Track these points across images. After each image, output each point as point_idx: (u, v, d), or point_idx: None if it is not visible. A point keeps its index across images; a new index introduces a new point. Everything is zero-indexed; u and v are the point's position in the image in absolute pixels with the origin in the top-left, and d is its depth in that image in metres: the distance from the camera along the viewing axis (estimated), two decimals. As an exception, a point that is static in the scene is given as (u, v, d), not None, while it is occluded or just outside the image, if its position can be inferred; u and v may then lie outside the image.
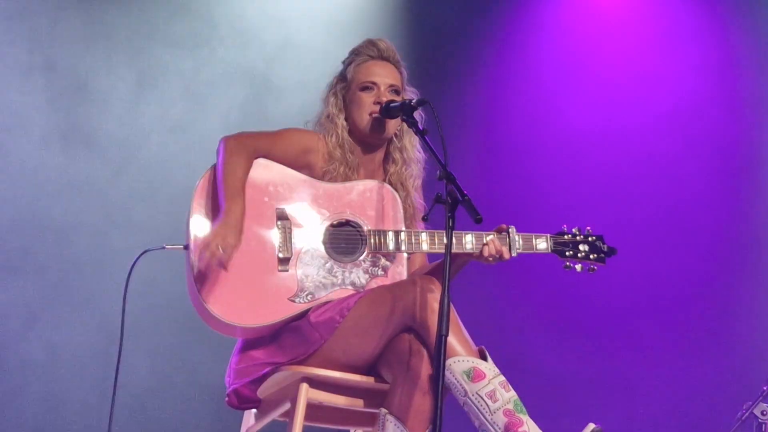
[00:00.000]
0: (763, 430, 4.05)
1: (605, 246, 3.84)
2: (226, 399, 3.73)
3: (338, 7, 6.06)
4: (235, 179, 3.63)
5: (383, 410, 3.46)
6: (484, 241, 3.66)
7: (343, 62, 3.94)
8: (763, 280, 5.79)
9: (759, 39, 6.01)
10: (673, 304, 5.87)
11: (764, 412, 4.05)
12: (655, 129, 6.02)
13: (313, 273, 3.65)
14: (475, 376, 3.41)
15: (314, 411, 3.64)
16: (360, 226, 3.71)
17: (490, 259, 3.67)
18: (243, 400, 3.71)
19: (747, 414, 4.08)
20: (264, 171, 3.71)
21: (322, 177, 3.78)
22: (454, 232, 3.38)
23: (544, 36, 6.16)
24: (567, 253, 3.79)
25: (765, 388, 4.11)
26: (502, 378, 3.43)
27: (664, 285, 5.90)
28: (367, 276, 3.68)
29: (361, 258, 3.69)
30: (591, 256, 3.81)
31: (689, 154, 5.96)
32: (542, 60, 6.15)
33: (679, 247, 5.91)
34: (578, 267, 3.80)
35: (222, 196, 3.61)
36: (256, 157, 3.71)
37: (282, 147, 3.76)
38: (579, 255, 3.80)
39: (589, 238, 3.83)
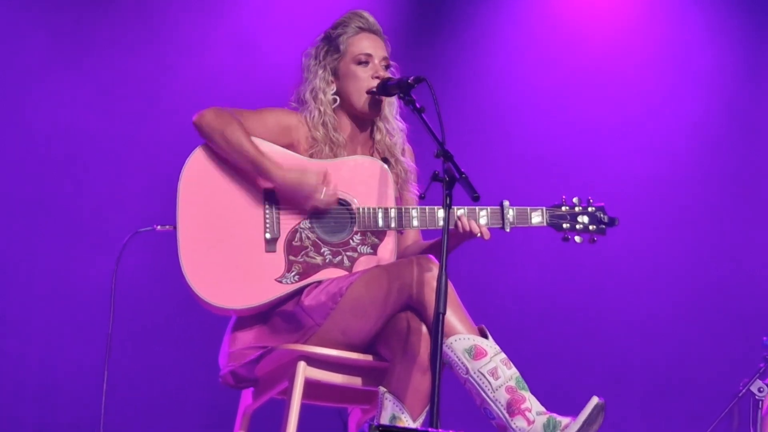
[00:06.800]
0: (760, 406, 4.08)
1: (606, 216, 3.78)
2: (221, 379, 3.71)
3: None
4: (253, 152, 3.59)
5: (382, 388, 3.46)
6: (477, 217, 3.64)
7: (328, 34, 3.83)
8: (759, 260, 5.81)
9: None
10: (670, 280, 5.87)
11: (761, 389, 4.07)
12: (657, 101, 6.02)
13: (301, 253, 3.63)
14: (476, 353, 3.41)
15: (312, 389, 3.64)
16: (349, 204, 3.69)
17: (476, 234, 3.63)
18: (239, 380, 3.67)
19: (744, 391, 4.10)
20: None
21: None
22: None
23: (542, 12, 6.13)
24: (564, 226, 3.73)
25: (762, 365, 4.14)
26: (503, 355, 3.43)
27: (661, 259, 5.90)
28: (355, 254, 3.66)
29: (350, 236, 3.67)
30: (590, 228, 3.75)
31: (689, 138, 5.97)
32: (542, 34, 6.11)
33: (678, 220, 5.91)
34: (578, 239, 3.75)
35: (258, 171, 3.60)
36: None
37: (262, 125, 3.69)
38: (577, 227, 3.74)
39: (589, 209, 3.78)
